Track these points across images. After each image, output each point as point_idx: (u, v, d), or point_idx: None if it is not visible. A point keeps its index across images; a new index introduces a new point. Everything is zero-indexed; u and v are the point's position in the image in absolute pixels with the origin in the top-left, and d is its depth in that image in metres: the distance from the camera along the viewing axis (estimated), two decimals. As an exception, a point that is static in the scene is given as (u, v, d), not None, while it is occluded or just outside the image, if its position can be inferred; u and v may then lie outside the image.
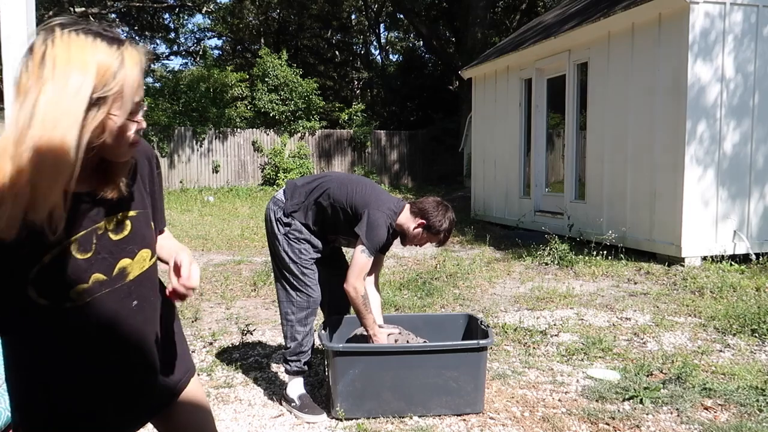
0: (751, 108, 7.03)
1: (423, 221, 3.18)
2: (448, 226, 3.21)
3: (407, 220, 3.21)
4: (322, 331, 3.23)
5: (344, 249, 3.55)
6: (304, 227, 3.19)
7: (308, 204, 3.18)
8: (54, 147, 1.09)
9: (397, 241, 3.37)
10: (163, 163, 18.40)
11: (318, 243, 3.22)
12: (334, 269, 3.40)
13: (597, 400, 3.30)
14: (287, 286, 3.20)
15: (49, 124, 1.09)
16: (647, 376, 3.61)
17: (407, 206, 3.25)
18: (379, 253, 3.26)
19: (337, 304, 3.41)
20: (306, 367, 3.26)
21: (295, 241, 3.17)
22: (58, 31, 1.16)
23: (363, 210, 3.08)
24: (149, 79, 29.86)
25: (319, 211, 3.18)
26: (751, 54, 6.98)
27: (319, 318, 3.64)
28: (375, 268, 3.41)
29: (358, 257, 3.05)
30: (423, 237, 3.24)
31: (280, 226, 3.19)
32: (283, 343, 3.31)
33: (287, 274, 3.19)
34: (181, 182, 18.52)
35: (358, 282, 3.08)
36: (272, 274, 3.39)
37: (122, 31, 28.92)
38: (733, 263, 6.65)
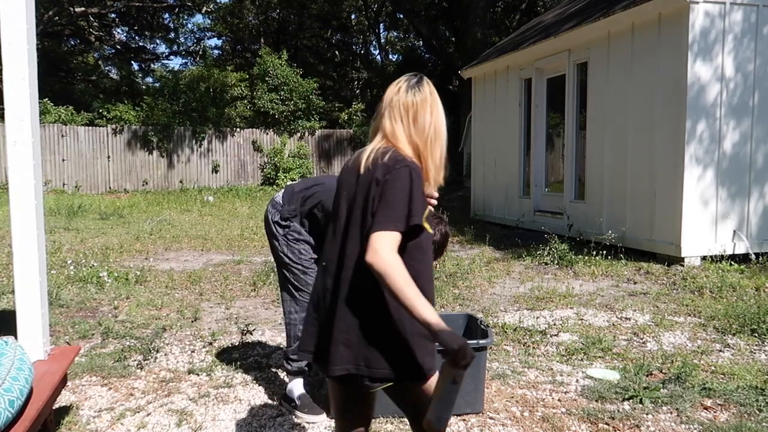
0: (750, 107, 7.03)
1: None
2: (439, 240, 3.07)
3: None
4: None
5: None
6: (302, 229, 3.20)
7: (303, 214, 3.18)
8: (443, 147, 1.99)
9: None
10: (163, 163, 18.43)
11: (315, 243, 3.23)
12: None
13: (597, 400, 3.30)
14: (289, 286, 3.21)
15: (441, 134, 1.98)
16: (647, 375, 3.61)
17: None
18: None
19: None
20: (307, 368, 3.26)
21: (294, 241, 3.18)
22: (429, 81, 2.07)
23: None
24: (149, 79, 29.90)
25: (313, 223, 3.17)
26: (750, 53, 6.98)
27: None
28: None
29: None
30: None
31: (278, 227, 3.20)
32: (285, 344, 3.31)
33: (288, 274, 3.19)
34: (180, 182, 18.52)
35: None
36: (272, 273, 3.39)
37: (122, 30, 28.95)
38: (732, 263, 6.65)
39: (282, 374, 3.63)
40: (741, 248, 7.02)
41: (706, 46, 6.82)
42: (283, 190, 3.34)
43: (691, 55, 6.75)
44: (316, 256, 3.24)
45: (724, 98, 6.92)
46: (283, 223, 3.19)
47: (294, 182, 3.45)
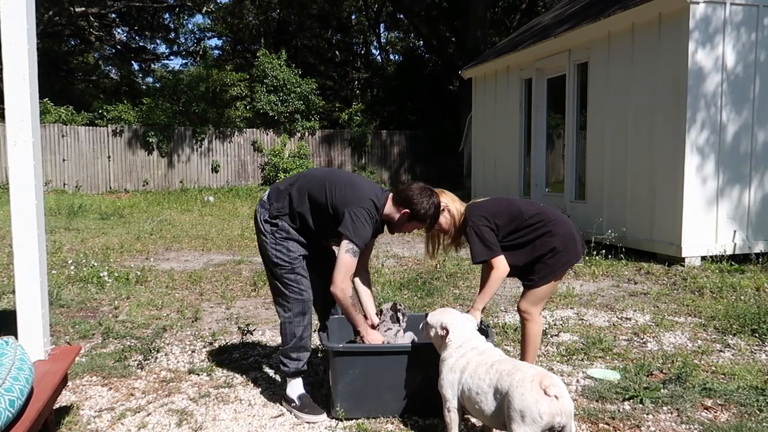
0: (751, 109, 7.02)
1: (407, 210, 3.12)
2: (433, 212, 3.14)
3: (391, 210, 3.16)
4: (322, 332, 3.23)
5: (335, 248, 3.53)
6: (291, 228, 3.19)
7: (292, 211, 3.16)
8: None
9: (396, 240, 3.36)
10: (163, 163, 18.43)
11: (305, 241, 3.23)
12: (323, 268, 3.37)
13: (597, 400, 3.30)
14: (279, 285, 3.20)
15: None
16: (647, 376, 3.61)
17: (390, 195, 3.20)
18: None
19: (329, 303, 3.40)
20: (305, 367, 3.25)
21: (282, 240, 3.17)
22: None
23: (343, 210, 3.04)
24: (149, 79, 29.91)
25: (303, 218, 3.16)
26: (751, 54, 6.97)
27: (318, 319, 3.63)
28: (365, 253, 3.39)
29: (343, 257, 3.01)
30: (410, 225, 3.19)
31: (267, 226, 3.20)
32: (281, 343, 3.30)
33: (278, 272, 3.18)
34: (181, 182, 18.52)
35: (345, 283, 3.05)
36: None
37: (122, 31, 28.94)
38: (733, 263, 6.65)
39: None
40: (741, 248, 7.02)
41: (705, 47, 6.81)
42: (269, 190, 3.33)
43: (691, 55, 6.75)
44: (305, 253, 3.23)
45: (724, 99, 6.92)
46: (272, 221, 3.18)
47: (278, 182, 3.44)
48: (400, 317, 3.30)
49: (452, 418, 2.70)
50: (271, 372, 3.78)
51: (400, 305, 3.37)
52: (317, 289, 3.27)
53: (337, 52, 32.20)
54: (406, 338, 3.30)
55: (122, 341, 4.31)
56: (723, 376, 3.65)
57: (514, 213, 3.24)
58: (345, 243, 3.01)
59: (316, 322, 3.53)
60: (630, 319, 4.93)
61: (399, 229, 3.23)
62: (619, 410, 3.17)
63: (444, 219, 3.25)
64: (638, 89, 7.57)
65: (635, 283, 6.25)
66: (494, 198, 3.44)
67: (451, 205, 3.25)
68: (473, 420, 3.03)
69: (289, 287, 3.17)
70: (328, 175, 3.24)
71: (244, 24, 30.21)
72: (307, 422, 3.06)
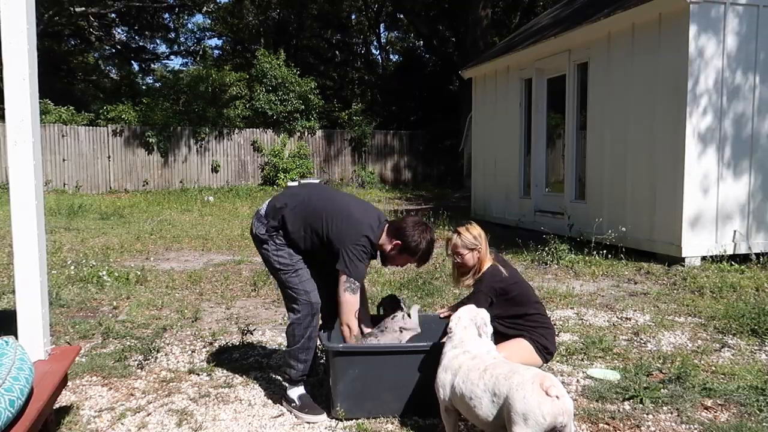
0: (752, 108, 7.02)
1: (398, 242, 3.11)
2: (425, 247, 3.13)
3: (384, 241, 3.15)
4: (322, 332, 3.24)
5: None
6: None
7: (287, 234, 3.17)
8: None
9: None
10: (163, 163, 18.43)
11: (302, 246, 3.23)
12: (325, 268, 3.36)
13: (597, 400, 3.30)
14: (287, 290, 3.21)
15: None
16: (647, 376, 3.61)
17: (386, 226, 3.19)
18: None
19: (334, 303, 3.39)
20: (307, 373, 3.25)
21: (282, 245, 3.18)
22: None
23: (338, 246, 3.05)
24: (149, 79, 29.88)
25: (295, 244, 3.18)
26: (751, 52, 6.97)
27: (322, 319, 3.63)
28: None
29: (345, 297, 3.04)
30: (401, 258, 3.17)
31: (265, 236, 3.21)
32: (285, 343, 3.29)
33: (283, 277, 3.19)
34: (181, 182, 18.52)
35: (352, 321, 3.09)
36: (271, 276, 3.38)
37: (122, 30, 28.94)
38: (733, 263, 6.65)
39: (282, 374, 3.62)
40: (741, 248, 7.02)
41: (705, 47, 6.81)
42: (267, 203, 3.31)
43: (691, 55, 6.75)
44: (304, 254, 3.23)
45: (724, 98, 6.91)
46: (271, 232, 3.20)
47: (277, 194, 3.42)
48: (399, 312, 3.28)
49: (447, 418, 2.70)
50: (271, 372, 3.78)
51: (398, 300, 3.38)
52: (323, 289, 3.26)
53: (337, 52, 32.21)
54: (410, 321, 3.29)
55: (122, 341, 4.31)
56: (723, 376, 3.65)
57: (524, 300, 3.34)
58: (343, 281, 3.03)
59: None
60: (630, 319, 4.93)
61: (391, 262, 3.23)
62: (619, 410, 3.17)
63: (471, 256, 3.30)
64: (638, 89, 7.56)
65: (635, 283, 6.25)
66: (523, 281, 3.47)
67: (483, 250, 3.31)
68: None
69: (296, 290, 3.18)
70: (326, 205, 3.17)
71: (243, 24, 30.20)
72: (307, 422, 3.06)
